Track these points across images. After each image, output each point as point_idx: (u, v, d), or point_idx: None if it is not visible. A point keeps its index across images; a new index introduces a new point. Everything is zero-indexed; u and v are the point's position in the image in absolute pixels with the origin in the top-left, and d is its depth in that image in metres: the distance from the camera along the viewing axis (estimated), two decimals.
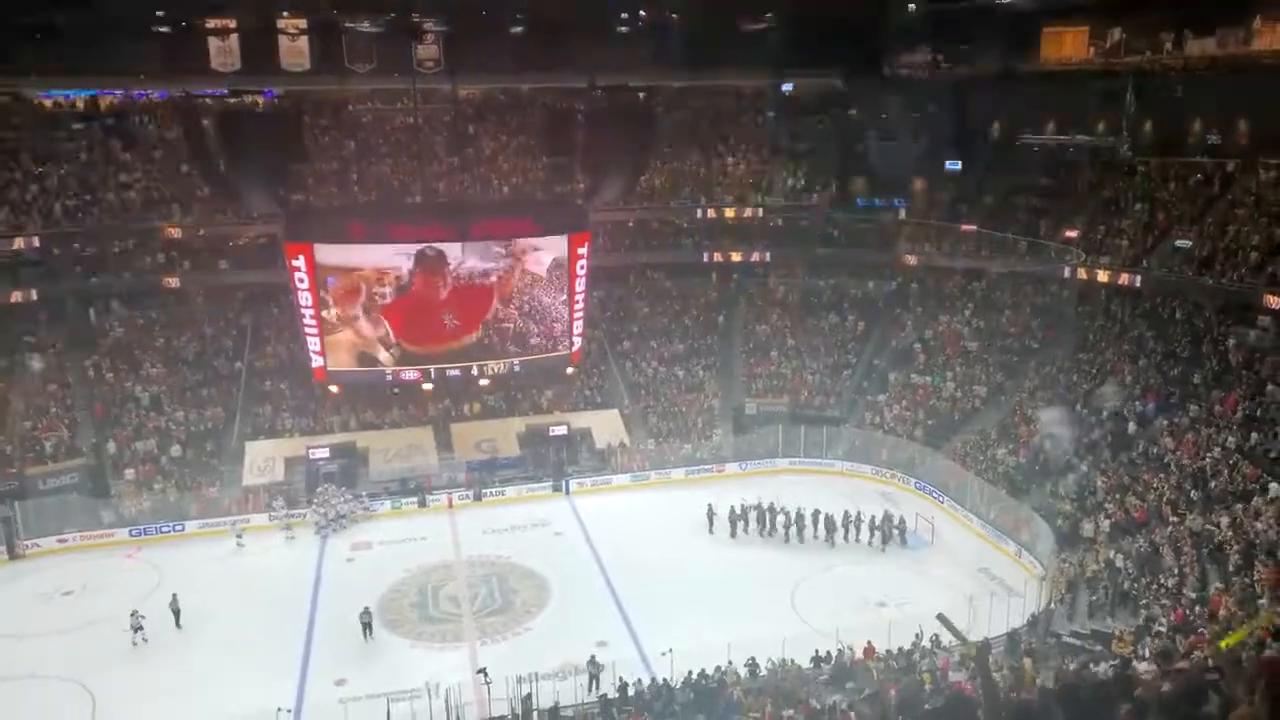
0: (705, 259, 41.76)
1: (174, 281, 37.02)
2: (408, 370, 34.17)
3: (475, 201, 39.05)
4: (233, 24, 38.23)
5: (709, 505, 30.48)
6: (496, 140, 43.09)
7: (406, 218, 35.26)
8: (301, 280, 32.10)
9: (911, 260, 39.88)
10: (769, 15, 41.44)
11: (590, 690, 21.10)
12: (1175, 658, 9.99)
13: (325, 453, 33.55)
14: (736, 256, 41.50)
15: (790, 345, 39.83)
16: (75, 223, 35.92)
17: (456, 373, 34.62)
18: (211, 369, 36.44)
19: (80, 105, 40.37)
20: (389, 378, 34.46)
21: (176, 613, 25.02)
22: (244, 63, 39.16)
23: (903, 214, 41.25)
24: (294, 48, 39.25)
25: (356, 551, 29.83)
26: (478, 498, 33.27)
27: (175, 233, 36.91)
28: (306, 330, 32.97)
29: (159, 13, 36.87)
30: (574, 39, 39.43)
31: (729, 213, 41.73)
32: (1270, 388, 27.34)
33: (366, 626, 24.17)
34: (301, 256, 31.80)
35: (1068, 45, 39.02)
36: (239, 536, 30.21)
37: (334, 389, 34.58)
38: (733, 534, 29.99)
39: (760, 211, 41.97)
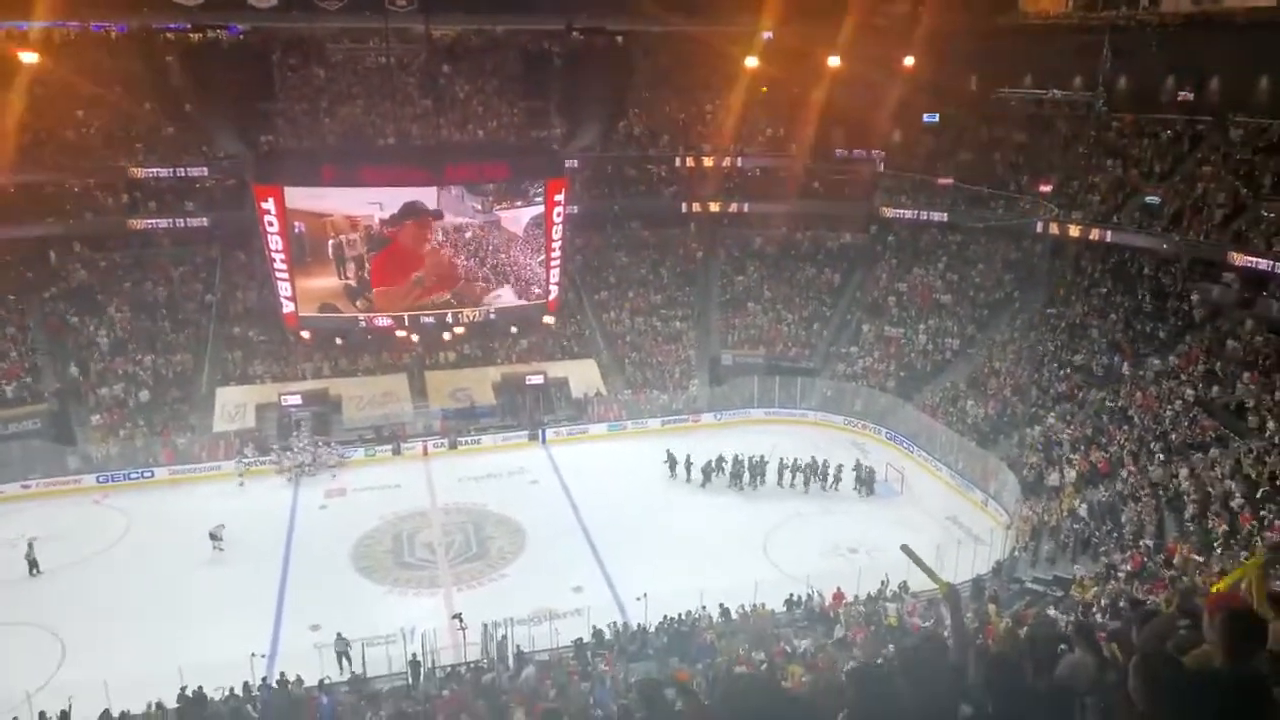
0: (684, 209, 41.55)
1: (138, 224, 36.28)
2: (381, 317, 33.85)
3: (449, 145, 38.40)
4: None
5: (687, 455, 30.64)
6: (471, 83, 42.30)
7: (379, 161, 34.66)
8: (271, 224, 31.46)
9: (888, 212, 39.97)
10: None
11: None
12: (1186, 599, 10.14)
13: (298, 399, 33.38)
14: (715, 207, 41.30)
15: (767, 297, 39.92)
16: (34, 161, 34.87)
17: (430, 320, 34.33)
18: (180, 313, 35.86)
19: (34, 36, 38.92)
20: (361, 324, 34.14)
21: (32, 562, 24.83)
22: None
23: (881, 166, 41.19)
24: None
25: (330, 499, 29.82)
26: (453, 446, 33.30)
27: (139, 173, 36.05)
28: (277, 275, 32.45)
29: None
30: None
31: (708, 162, 41.43)
32: (1231, 343, 27.97)
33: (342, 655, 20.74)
34: (271, 199, 31.12)
35: None
36: (241, 475, 30.49)
37: (305, 335, 34.22)
38: (704, 484, 30.30)
39: (739, 161, 41.72)
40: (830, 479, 29.87)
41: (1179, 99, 35.81)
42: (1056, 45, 38.32)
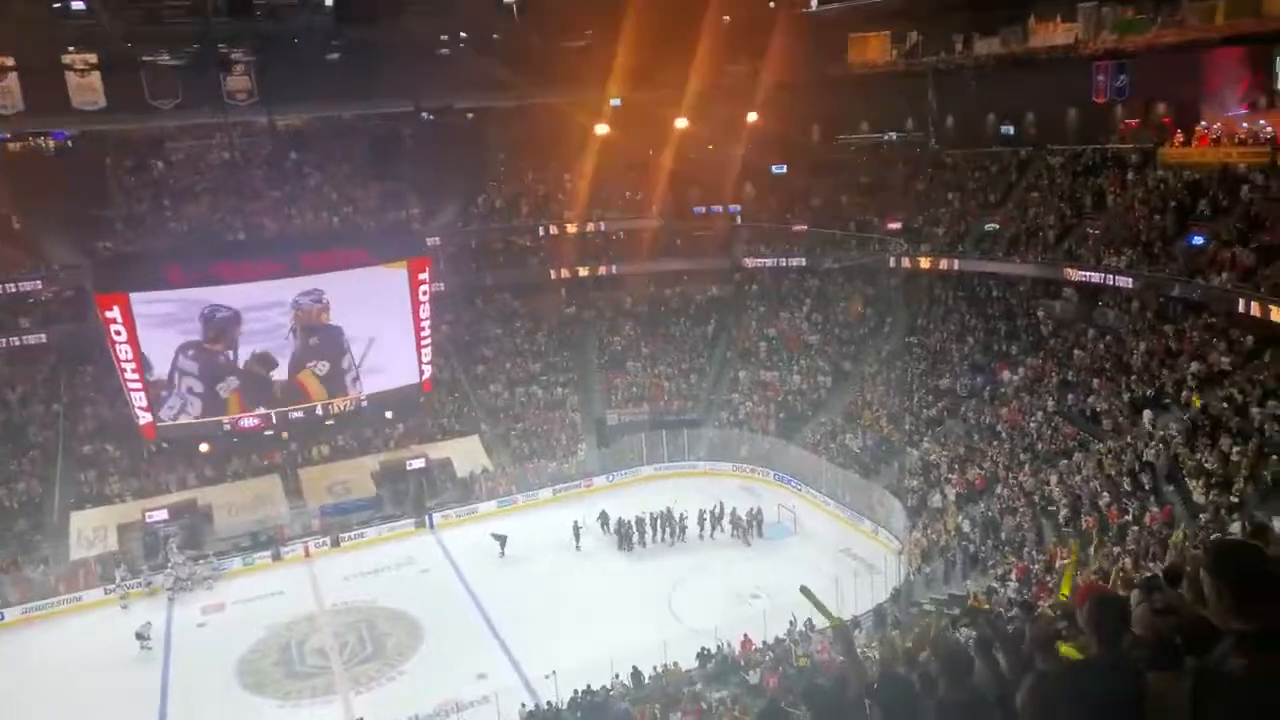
0: (552, 276, 41.74)
1: None
2: (246, 417, 32.30)
3: (304, 234, 37.49)
4: (9, 62, 35.15)
5: (574, 522, 30.41)
6: (321, 170, 41.61)
7: (230, 256, 33.31)
8: (119, 333, 29.70)
9: (750, 263, 41.22)
10: (589, 33, 41.90)
11: None
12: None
13: (164, 514, 31.22)
14: (584, 271, 41.69)
15: (645, 354, 40.28)
16: None
17: (300, 414, 32.97)
18: (21, 438, 33.28)
19: None
20: (226, 427, 32.48)
21: None
22: (27, 103, 36.09)
23: (738, 219, 42.55)
24: (85, 85, 36.39)
25: (208, 615, 27.93)
26: (335, 543, 31.84)
27: None
28: (130, 386, 30.59)
29: None
30: (393, 63, 38.46)
31: (571, 229, 41.89)
32: (1078, 352, 29.83)
33: None
34: (116, 307, 29.50)
35: (872, 49, 41.33)
36: (123, 599, 28.55)
37: (165, 445, 32.29)
38: (620, 546, 30.04)
39: (601, 225, 42.35)
40: (718, 526, 30.09)
41: (1001, 133, 38.57)
42: (886, 92, 40.69)
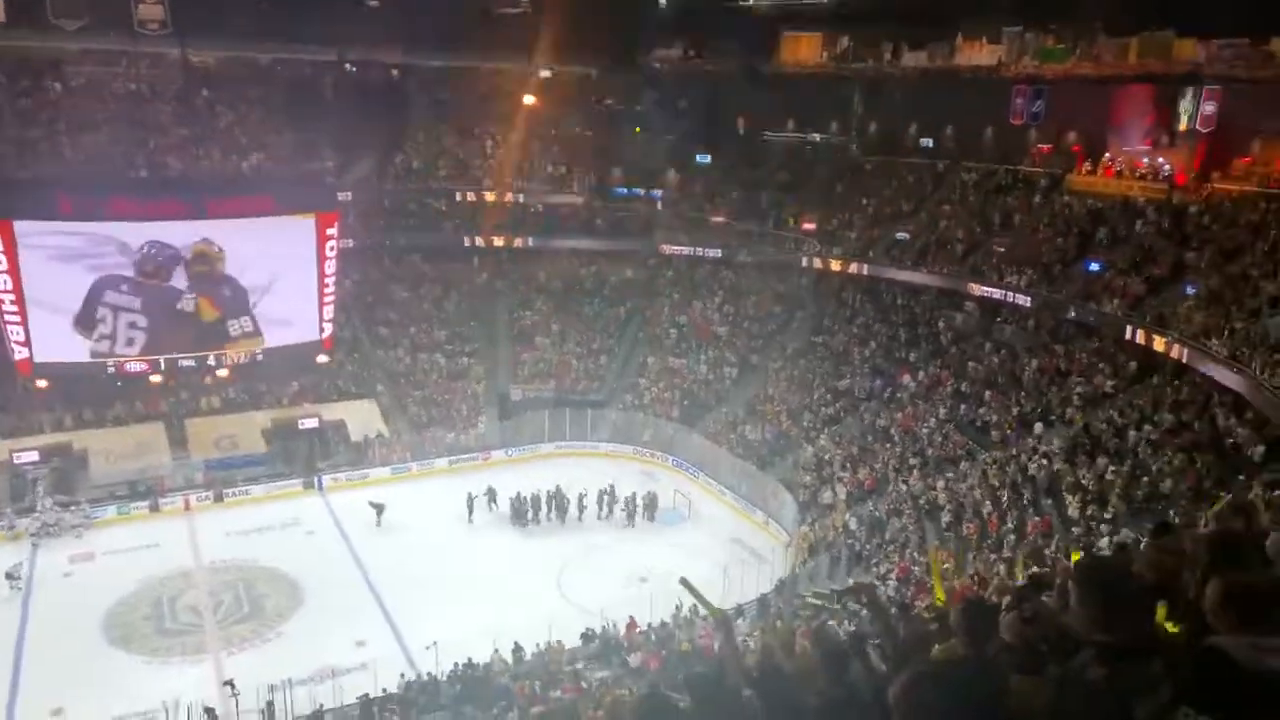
0: (466, 243, 40.99)
1: None
2: (132, 361, 30.86)
3: (211, 177, 35.87)
4: None
5: (469, 494, 30.09)
6: (234, 111, 39.80)
7: (131, 192, 31.71)
8: None
9: (667, 249, 41.30)
10: (525, 0, 41.23)
11: None
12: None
13: (34, 455, 29.62)
14: (499, 241, 41.05)
15: (555, 331, 39.98)
16: None
17: (191, 363, 31.69)
18: None
19: None
20: (110, 369, 30.98)
21: None
22: None
23: (659, 205, 42.56)
24: None
25: (76, 565, 26.60)
26: (219, 499, 30.75)
27: None
28: (6, 318, 28.92)
29: None
30: (318, 8, 37.07)
31: (489, 197, 41.20)
32: (972, 365, 30.92)
33: None
34: None
35: (804, 49, 41.87)
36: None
37: (41, 384, 30.60)
38: (514, 521, 29.76)
39: (521, 197, 41.78)
40: (612, 508, 30.19)
41: (921, 145, 39.56)
42: (814, 93, 41.27)
